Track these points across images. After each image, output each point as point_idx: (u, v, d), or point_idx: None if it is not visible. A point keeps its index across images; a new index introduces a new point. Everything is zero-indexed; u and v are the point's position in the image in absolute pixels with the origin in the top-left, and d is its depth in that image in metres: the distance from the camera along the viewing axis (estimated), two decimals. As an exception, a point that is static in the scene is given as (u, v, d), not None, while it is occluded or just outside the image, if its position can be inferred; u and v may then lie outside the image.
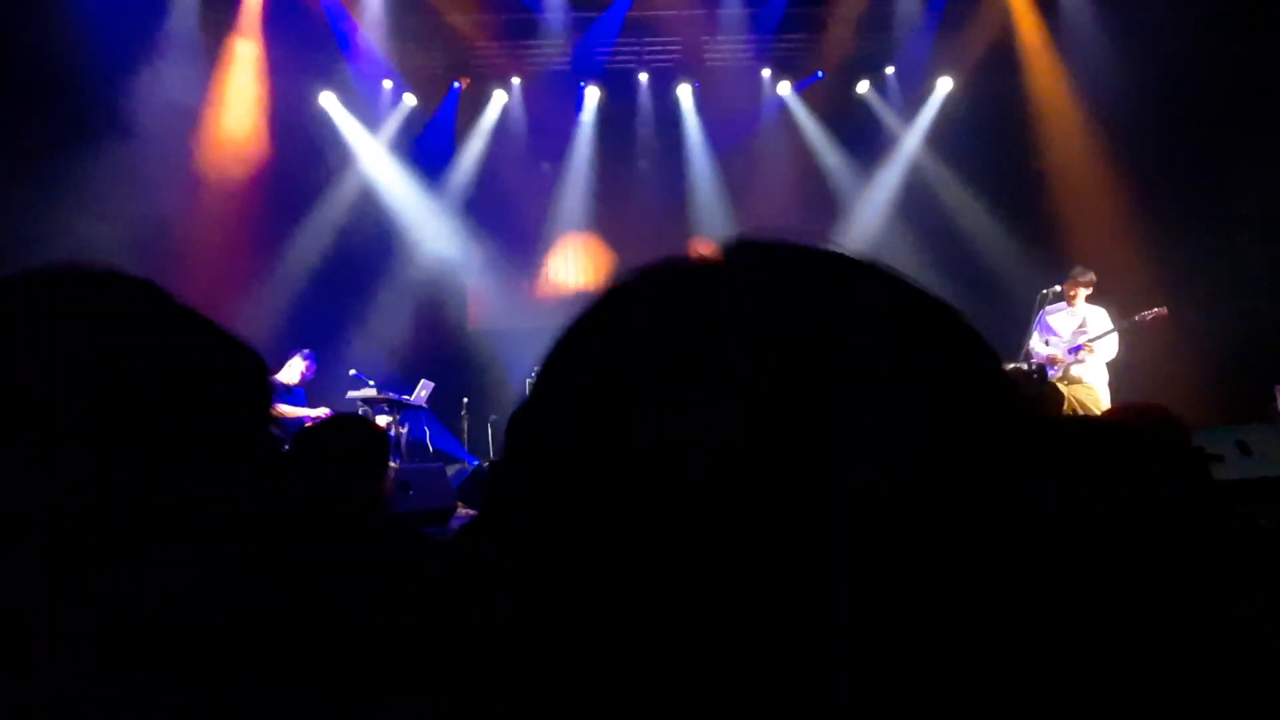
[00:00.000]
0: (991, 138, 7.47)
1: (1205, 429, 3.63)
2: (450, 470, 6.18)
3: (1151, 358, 5.51)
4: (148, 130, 6.28)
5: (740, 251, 0.32)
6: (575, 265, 8.52)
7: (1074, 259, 6.20)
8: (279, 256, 7.54)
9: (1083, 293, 5.28)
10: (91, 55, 6.00)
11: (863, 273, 0.30)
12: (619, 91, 8.33)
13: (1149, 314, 5.26)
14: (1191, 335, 5.86)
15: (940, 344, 0.28)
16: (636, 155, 8.56)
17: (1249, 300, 6.23)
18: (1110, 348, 5.22)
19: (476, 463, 7.04)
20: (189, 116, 6.92)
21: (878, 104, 8.29)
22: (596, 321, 0.32)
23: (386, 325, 7.75)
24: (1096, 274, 5.37)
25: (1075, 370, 5.19)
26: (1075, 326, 5.26)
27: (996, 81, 7.51)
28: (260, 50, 7.31)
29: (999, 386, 0.29)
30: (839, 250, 0.31)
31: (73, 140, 5.93)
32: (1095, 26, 7.00)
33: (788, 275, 0.29)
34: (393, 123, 8.20)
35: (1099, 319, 5.25)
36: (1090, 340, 5.15)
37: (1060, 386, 5.15)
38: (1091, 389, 5.13)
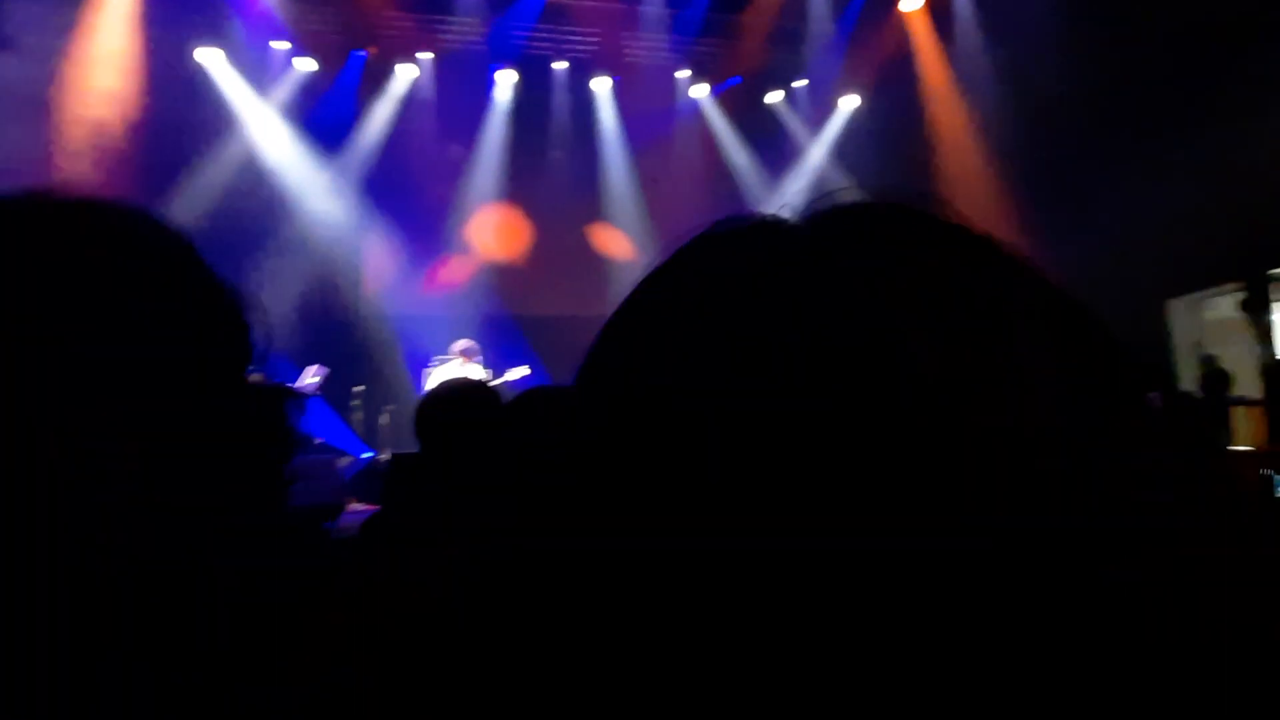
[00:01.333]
0: (891, 154, 7.93)
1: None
2: (341, 463, 5.81)
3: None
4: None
5: (823, 215, 0.30)
6: (479, 251, 8.24)
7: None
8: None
9: None
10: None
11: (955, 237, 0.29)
12: (534, 78, 8.16)
13: None
14: None
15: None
16: (549, 144, 8.42)
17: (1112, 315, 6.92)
18: None
19: (371, 455, 6.65)
20: (44, 59, 6.11)
21: (787, 114, 8.61)
22: (679, 279, 0.30)
23: (273, 306, 7.15)
24: None
25: None
26: None
27: (897, 101, 7.97)
28: (133, 1, 6.57)
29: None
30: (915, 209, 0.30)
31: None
32: (986, 55, 7.55)
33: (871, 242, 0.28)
34: (285, 88, 7.61)
35: None
36: None
37: None
38: None
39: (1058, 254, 6.81)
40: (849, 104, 8.44)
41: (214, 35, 7.16)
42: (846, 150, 8.42)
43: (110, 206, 0.42)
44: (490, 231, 8.28)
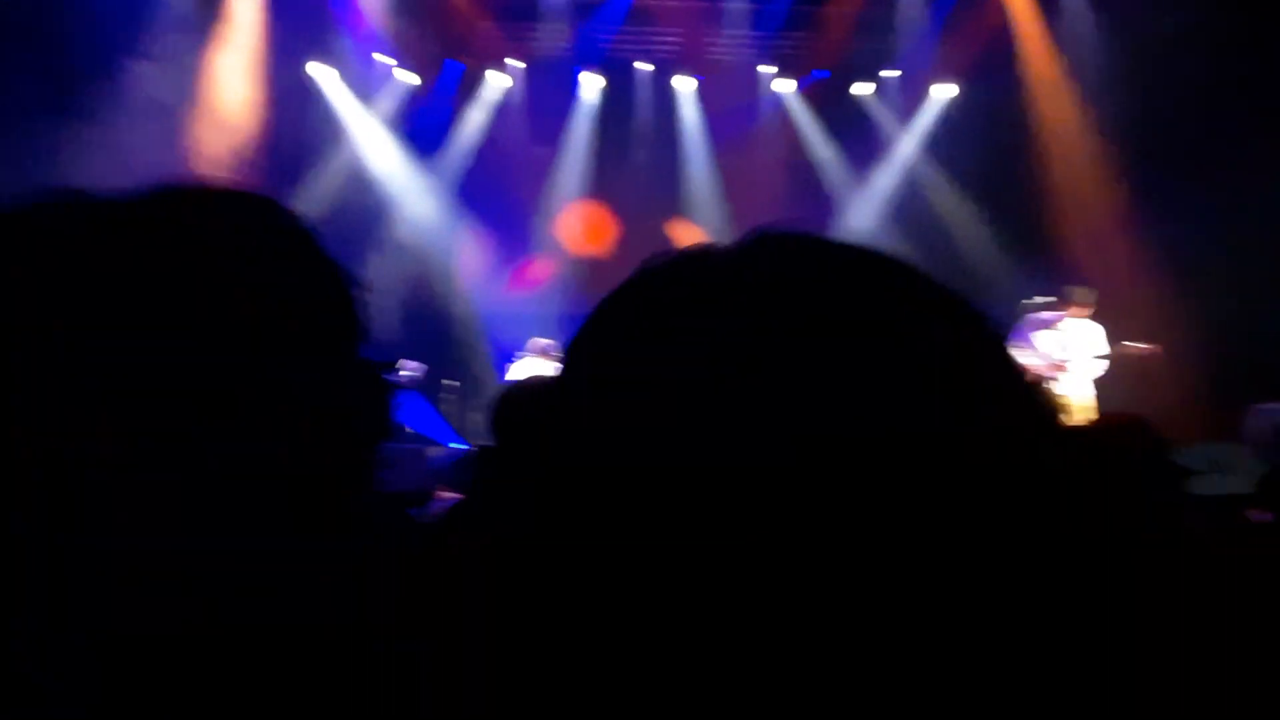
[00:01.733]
0: (989, 146, 7.51)
1: (1181, 447, 3.71)
2: (431, 453, 6.17)
3: (1144, 373, 5.48)
4: (141, 101, 6.18)
5: (761, 244, 0.31)
6: (565, 249, 8.48)
7: (1068, 270, 6.22)
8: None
9: (1075, 311, 5.23)
10: (87, 24, 5.88)
11: (882, 267, 0.30)
12: (618, 80, 8.28)
13: (1140, 348, 5.19)
14: (1186, 350, 5.81)
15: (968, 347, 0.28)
16: (633, 144, 8.53)
17: (1245, 317, 6.25)
18: (1093, 367, 5.19)
19: (464, 446, 7.02)
20: (183, 89, 6.80)
21: (876, 107, 8.32)
22: (618, 313, 0.32)
23: (375, 305, 7.66)
24: (1091, 288, 5.36)
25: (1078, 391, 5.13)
26: (1064, 344, 5.24)
27: (997, 89, 7.53)
28: (257, 21, 7.18)
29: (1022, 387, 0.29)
30: (855, 243, 0.31)
31: (63, 108, 5.82)
32: (1097, 36, 7.00)
33: (809, 271, 0.29)
34: (387, 99, 8.10)
35: (1087, 338, 5.20)
36: (1072, 360, 5.10)
37: None
38: (1076, 404, 5.10)
39: (1179, 244, 6.19)
40: (943, 93, 8.05)
41: (324, 51, 7.71)
42: (941, 142, 8.06)
43: (245, 194, 0.48)
44: (575, 231, 8.51)
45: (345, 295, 0.47)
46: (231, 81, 7.19)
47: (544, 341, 6.37)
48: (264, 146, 7.32)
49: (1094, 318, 5.33)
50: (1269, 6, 6.13)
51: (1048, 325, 5.34)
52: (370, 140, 8.06)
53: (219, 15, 7.02)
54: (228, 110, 7.16)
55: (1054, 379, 5.22)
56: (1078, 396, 5.18)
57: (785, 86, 8.36)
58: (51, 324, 0.37)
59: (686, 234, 8.64)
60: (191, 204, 0.45)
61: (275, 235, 0.46)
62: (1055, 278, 6.44)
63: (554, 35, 7.90)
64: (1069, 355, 5.19)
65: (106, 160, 5.75)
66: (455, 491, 5.51)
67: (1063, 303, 5.24)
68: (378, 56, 7.93)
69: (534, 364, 6.36)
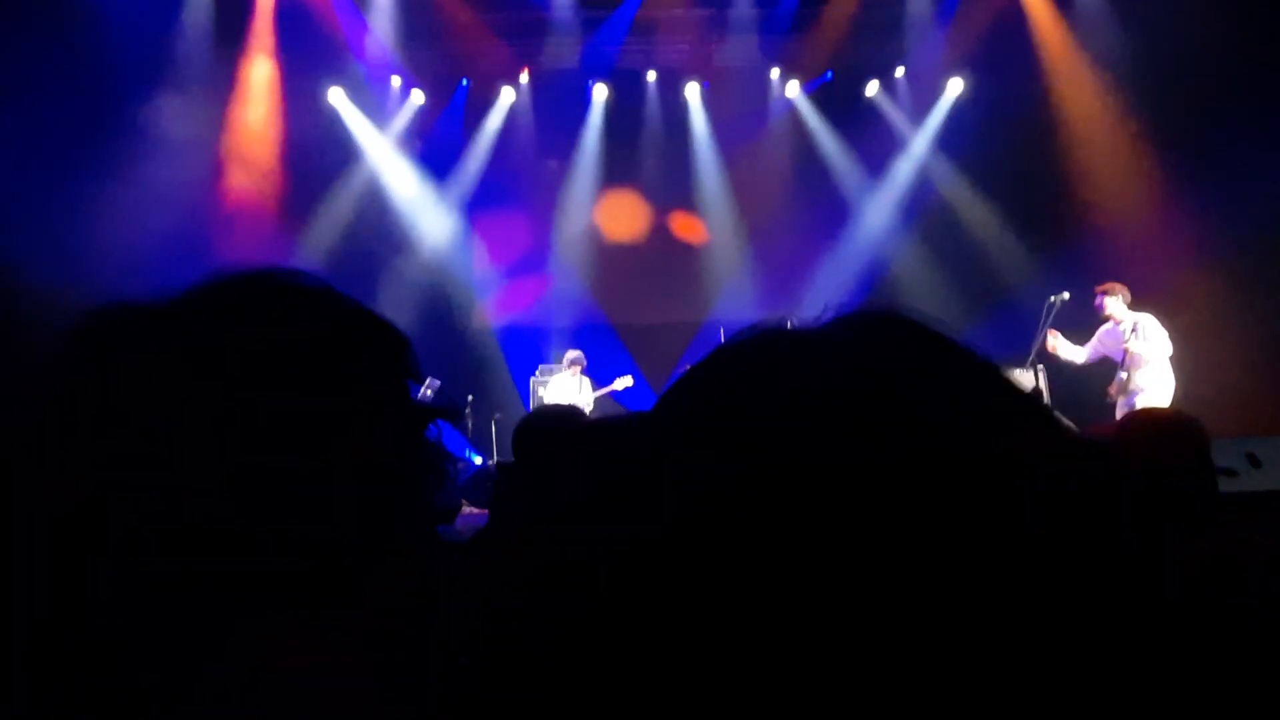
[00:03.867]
0: (1004, 138, 7.39)
1: (1216, 439, 3.59)
2: (455, 469, 6.22)
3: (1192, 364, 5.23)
4: (167, 135, 6.35)
5: (835, 325, 0.36)
6: (581, 262, 8.52)
7: (1093, 260, 6.06)
8: (288, 254, 7.57)
9: (1108, 302, 5.05)
10: (109, 58, 6.06)
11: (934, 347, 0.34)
12: (627, 90, 8.32)
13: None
14: (1221, 339, 5.62)
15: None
16: (644, 153, 8.56)
17: (1271, 307, 6.04)
18: (1149, 350, 4.90)
19: (483, 461, 7.06)
20: (206, 120, 6.98)
21: (887, 105, 8.25)
22: (708, 387, 0.35)
23: (394, 320, 7.76)
24: (1120, 277, 5.20)
25: (1138, 380, 4.92)
26: (1111, 338, 5.09)
27: (1010, 80, 7.41)
28: (273, 49, 7.36)
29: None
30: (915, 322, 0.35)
31: (90, 146, 6.00)
32: (1113, 15, 6.82)
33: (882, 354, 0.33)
34: (401, 119, 8.22)
35: (1149, 329, 4.97)
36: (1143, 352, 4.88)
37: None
38: (1153, 401, 4.83)
39: (1229, 241, 5.92)
40: (955, 87, 7.96)
41: (340, 76, 7.86)
42: (954, 136, 7.96)
43: (305, 284, 0.50)
44: (589, 241, 8.54)
45: (401, 347, 0.51)
46: (251, 111, 7.37)
47: (573, 354, 6.43)
48: (284, 172, 7.48)
49: (1135, 308, 5.12)
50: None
51: (1106, 323, 5.12)
52: (385, 161, 8.19)
53: (237, 49, 7.20)
54: (248, 139, 7.34)
55: (1134, 373, 4.97)
56: (1157, 391, 4.89)
57: (794, 90, 8.34)
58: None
59: (689, 228, 8.62)
60: (238, 302, 0.48)
61: (325, 318, 0.49)
62: (1079, 270, 6.29)
63: (562, 49, 7.97)
64: (1139, 348, 4.92)
65: (132, 198, 5.92)
66: (478, 506, 5.56)
67: (1111, 296, 5.03)
68: (395, 80, 8.07)
69: (564, 378, 6.40)
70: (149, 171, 6.12)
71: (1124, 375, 5.04)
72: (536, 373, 7.19)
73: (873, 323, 0.35)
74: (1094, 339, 5.24)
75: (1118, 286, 5.09)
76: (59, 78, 5.85)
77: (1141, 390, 4.91)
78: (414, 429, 0.49)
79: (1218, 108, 6.13)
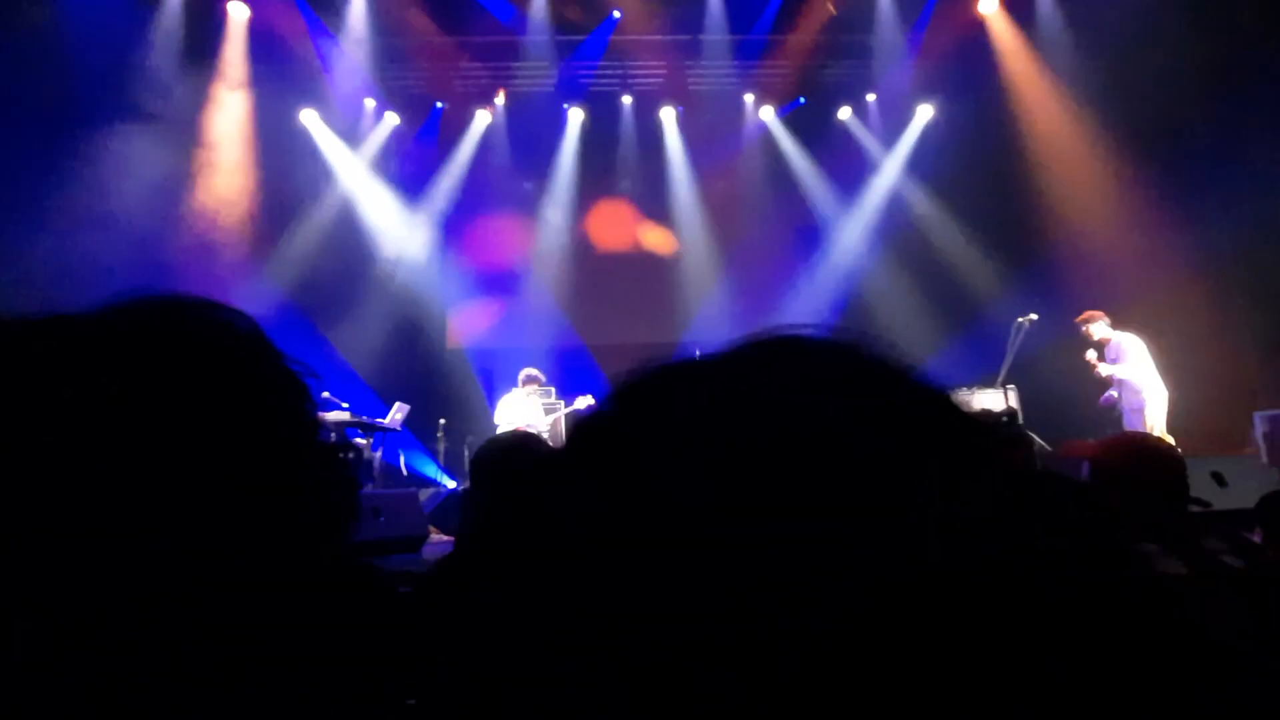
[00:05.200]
0: (972, 162, 7.53)
1: (1195, 458, 3.59)
2: (424, 494, 6.09)
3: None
4: (132, 154, 6.26)
5: (753, 349, 0.35)
6: (556, 283, 8.48)
7: (1061, 280, 6.12)
8: (257, 274, 7.46)
9: (1092, 329, 5.06)
10: (79, 84, 5.99)
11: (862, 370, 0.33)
12: (602, 113, 8.37)
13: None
14: (1188, 358, 5.66)
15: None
16: (619, 175, 8.59)
17: (1235, 326, 6.14)
18: (1123, 370, 4.94)
19: (454, 485, 6.93)
20: (174, 140, 6.89)
21: (859, 130, 8.39)
22: (615, 420, 0.35)
23: (364, 345, 7.66)
24: (1086, 297, 5.27)
25: (1129, 401, 4.94)
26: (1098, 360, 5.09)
27: (978, 106, 7.57)
28: (245, 69, 7.31)
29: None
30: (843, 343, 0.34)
31: (57, 164, 5.90)
32: (1075, 40, 6.94)
33: (796, 374, 0.32)
34: (374, 141, 8.19)
35: (1117, 351, 5.01)
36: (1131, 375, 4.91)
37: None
38: (1151, 416, 4.86)
39: (1171, 250, 5.95)
40: (924, 113, 8.12)
41: (313, 98, 7.82)
42: (924, 160, 8.10)
43: (183, 306, 0.47)
44: (564, 262, 8.51)
45: (301, 393, 0.48)
46: (222, 131, 7.29)
47: (529, 371, 6.34)
48: (256, 193, 7.39)
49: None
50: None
51: (1101, 345, 5.12)
52: (358, 183, 8.13)
53: (208, 68, 7.15)
54: (218, 160, 7.25)
55: (1121, 397, 5.00)
56: (1149, 412, 4.90)
57: (767, 114, 8.45)
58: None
59: (664, 249, 8.64)
60: (148, 324, 0.46)
61: (224, 344, 0.47)
62: (1048, 290, 6.37)
63: (537, 72, 8.01)
64: (1112, 370, 4.97)
65: (102, 221, 5.81)
66: (446, 533, 5.43)
67: (1093, 324, 5.05)
68: (368, 102, 8.04)
69: (519, 396, 6.31)
70: (110, 190, 6.02)
71: (1114, 393, 5.09)
72: (501, 392, 7.12)
73: (770, 350, 0.34)
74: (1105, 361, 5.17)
75: (1095, 314, 5.10)
76: (18, 94, 5.75)
77: (1135, 408, 4.94)
78: (302, 473, 0.46)
79: (1179, 128, 6.30)
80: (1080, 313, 5.16)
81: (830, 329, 0.35)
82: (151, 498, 0.39)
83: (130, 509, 0.39)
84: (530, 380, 6.25)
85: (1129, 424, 4.92)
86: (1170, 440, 4.44)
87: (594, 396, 6.71)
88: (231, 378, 0.45)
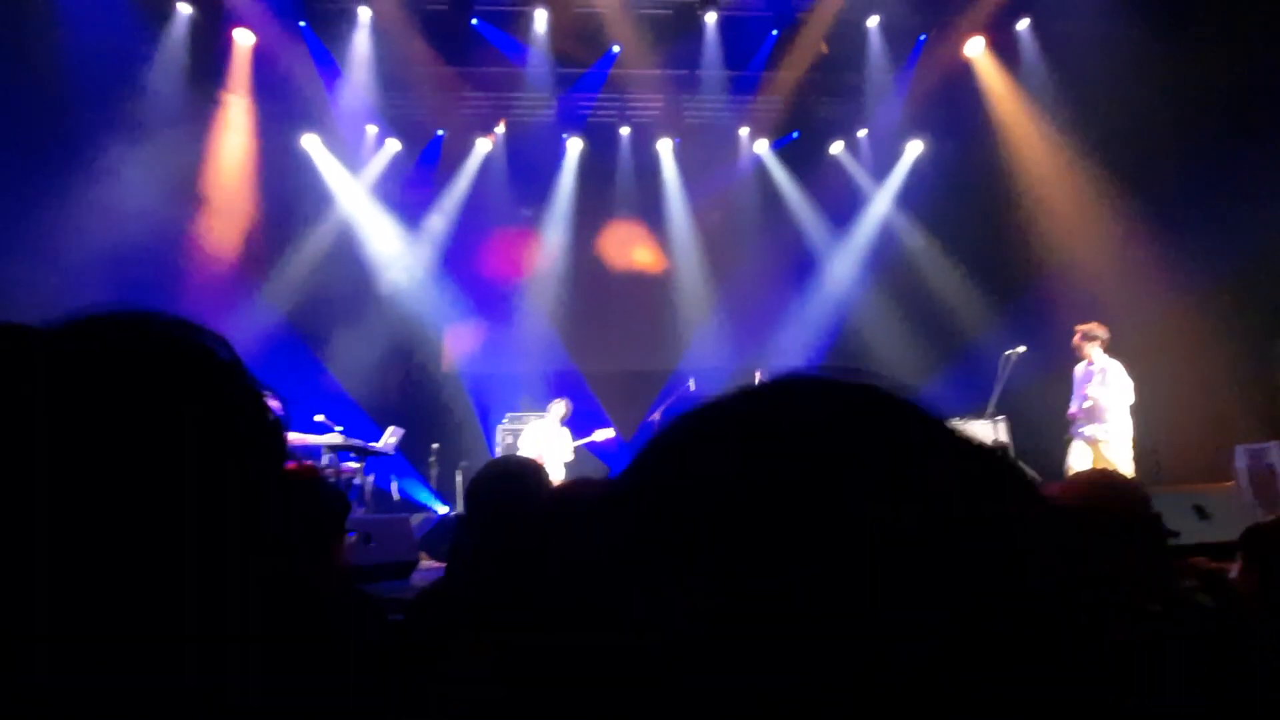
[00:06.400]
0: (961, 196, 7.72)
1: (1163, 493, 3.67)
2: (416, 520, 6.07)
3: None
4: (133, 173, 6.31)
5: (781, 389, 0.34)
6: (552, 309, 8.56)
7: (1048, 311, 6.20)
8: (254, 296, 7.48)
9: (1087, 344, 4.98)
10: (79, 101, 6.05)
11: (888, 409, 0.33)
12: (601, 144, 8.52)
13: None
14: (1172, 390, 5.70)
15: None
16: (616, 205, 8.72)
17: (1218, 359, 6.22)
18: (1108, 397, 4.88)
19: (446, 510, 6.91)
20: (176, 160, 6.94)
21: (850, 164, 8.58)
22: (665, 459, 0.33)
23: (359, 369, 7.68)
24: (1072, 328, 5.19)
25: (1092, 431, 4.90)
26: (1085, 382, 5.04)
27: (967, 141, 7.79)
28: (249, 93, 7.41)
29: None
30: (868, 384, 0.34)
31: (60, 186, 5.94)
32: (1059, 76, 7.12)
33: (823, 417, 0.32)
34: (375, 167, 8.29)
35: (1105, 375, 4.95)
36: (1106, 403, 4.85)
37: (1088, 448, 4.90)
38: (1115, 451, 4.84)
39: (1157, 282, 5.92)
40: (914, 149, 8.34)
41: (315, 123, 7.93)
42: (914, 194, 8.29)
43: (143, 323, 0.45)
44: (560, 288, 8.60)
45: (266, 418, 0.46)
46: (224, 153, 7.37)
47: (562, 403, 6.39)
48: (256, 215, 7.45)
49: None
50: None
51: (1080, 364, 5.09)
52: (358, 207, 8.21)
53: (213, 90, 7.24)
54: (220, 181, 7.32)
55: (1089, 423, 4.96)
56: (1116, 443, 4.87)
57: (762, 147, 8.63)
58: None
59: (659, 277, 8.74)
60: (111, 343, 0.43)
61: (183, 362, 0.44)
62: (1036, 322, 6.49)
63: (537, 104, 8.17)
64: (1098, 394, 4.90)
65: (100, 240, 5.83)
66: (437, 559, 5.40)
67: (1090, 340, 4.96)
68: (370, 128, 8.16)
69: (549, 423, 6.33)
70: (108, 208, 6.04)
71: (1076, 410, 5.03)
72: (505, 420, 7.12)
73: (793, 391, 0.33)
74: (1077, 378, 5.16)
75: (1098, 329, 5.03)
76: (19, 111, 5.80)
77: (1101, 440, 4.92)
78: (263, 506, 0.44)
79: (1159, 166, 6.46)
80: (1073, 337, 5.12)
81: (839, 371, 0.34)
82: (85, 519, 0.36)
83: (62, 532, 0.36)
84: (562, 412, 6.30)
85: (1077, 455, 4.88)
86: (1132, 476, 4.42)
87: (614, 430, 6.72)
88: (183, 396, 0.42)
